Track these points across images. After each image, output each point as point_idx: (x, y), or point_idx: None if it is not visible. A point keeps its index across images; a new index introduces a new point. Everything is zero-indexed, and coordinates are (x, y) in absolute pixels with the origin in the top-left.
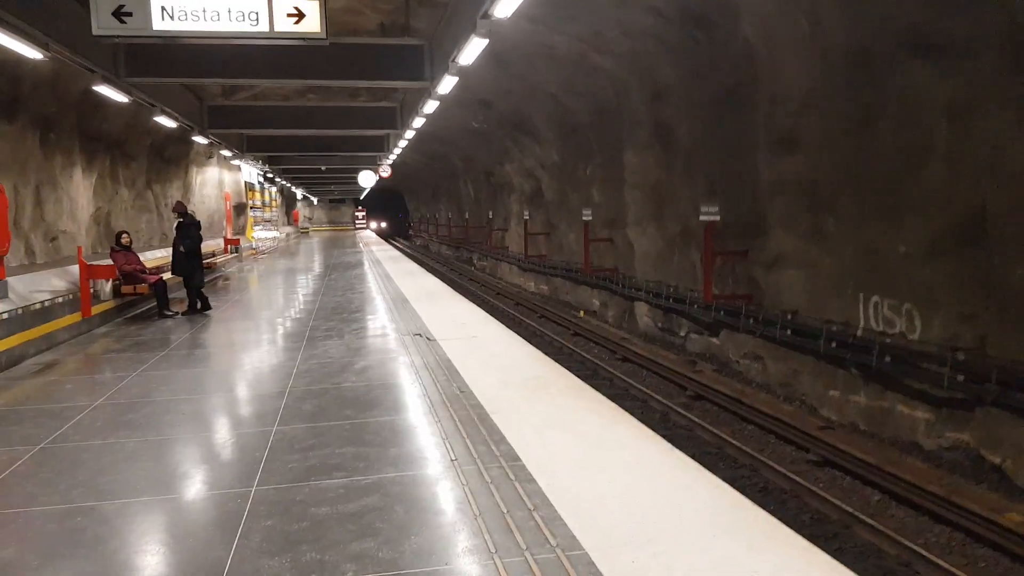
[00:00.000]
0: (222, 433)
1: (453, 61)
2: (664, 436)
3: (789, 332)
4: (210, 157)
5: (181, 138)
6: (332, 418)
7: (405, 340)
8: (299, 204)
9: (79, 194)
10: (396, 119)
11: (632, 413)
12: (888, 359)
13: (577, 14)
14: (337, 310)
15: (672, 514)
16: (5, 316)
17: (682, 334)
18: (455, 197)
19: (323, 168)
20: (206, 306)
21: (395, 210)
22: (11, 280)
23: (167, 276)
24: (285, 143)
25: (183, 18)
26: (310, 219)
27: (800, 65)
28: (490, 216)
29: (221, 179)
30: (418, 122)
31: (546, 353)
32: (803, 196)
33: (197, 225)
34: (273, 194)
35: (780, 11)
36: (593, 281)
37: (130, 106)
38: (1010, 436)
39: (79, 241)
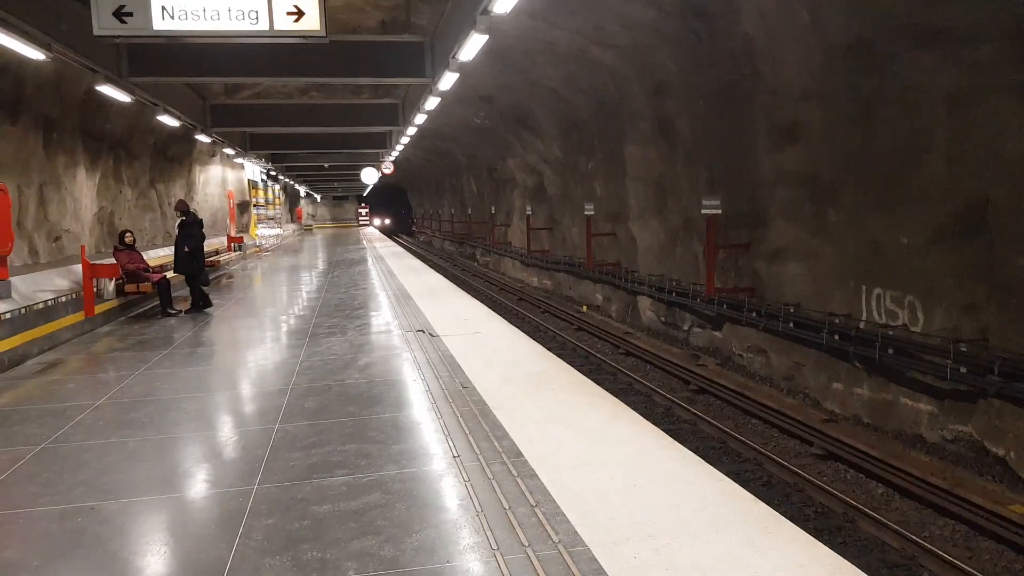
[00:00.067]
0: (224, 431)
1: (454, 57)
2: (667, 431)
3: (792, 325)
4: (213, 155)
5: (184, 137)
6: (334, 415)
7: (408, 336)
8: (302, 201)
9: (82, 194)
10: (398, 116)
11: (636, 408)
12: (891, 351)
13: (577, 8)
14: (340, 307)
15: (674, 509)
16: (8, 316)
17: (685, 328)
18: (458, 193)
19: (326, 165)
20: (207, 304)
21: (398, 206)
22: (14, 280)
23: (170, 275)
24: (288, 141)
25: (183, 17)
26: (313, 216)
27: (800, 57)
28: (493, 211)
29: (224, 177)
30: (420, 118)
31: (550, 348)
32: (804, 188)
33: (199, 223)
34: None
35: (780, 3)
36: (596, 276)
37: (133, 106)
38: (1013, 428)
39: (83, 240)
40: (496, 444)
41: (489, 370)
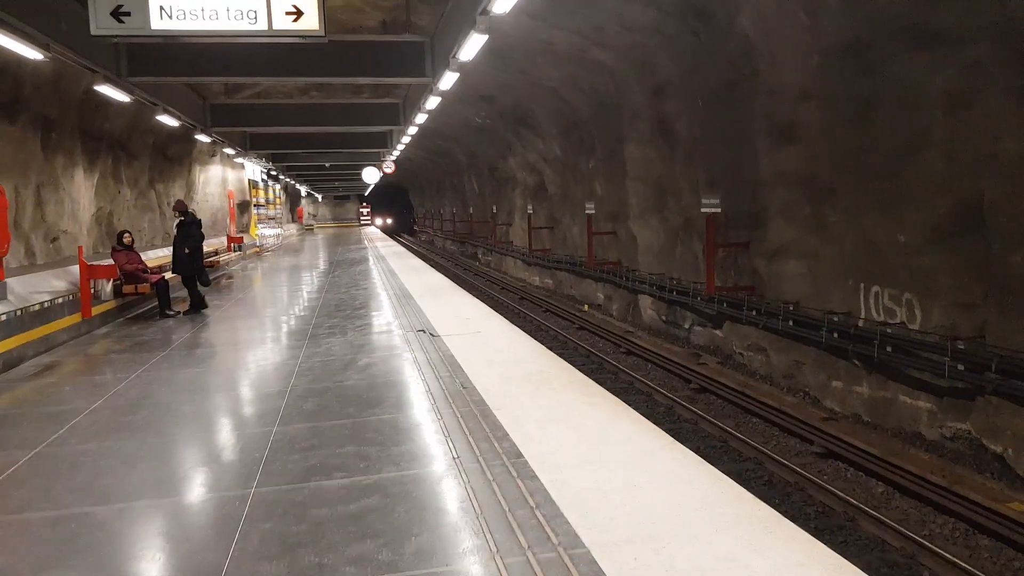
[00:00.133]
0: (222, 434)
1: (454, 57)
2: (669, 430)
3: (791, 323)
4: (213, 155)
5: (184, 137)
6: (333, 417)
7: (408, 336)
8: (303, 201)
9: (80, 194)
10: (399, 115)
11: (637, 407)
12: (889, 349)
13: (576, 8)
14: (340, 307)
15: (674, 509)
16: (3, 318)
17: (686, 327)
18: (459, 192)
19: (327, 165)
20: (202, 306)
21: (400, 206)
22: (10, 281)
23: (169, 275)
24: (289, 140)
25: (182, 17)
26: (314, 216)
27: (799, 57)
28: (494, 211)
29: (224, 177)
30: (421, 118)
31: (551, 347)
32: (803, 187)
33: (198, 224)
34: (277, 191)
35: (779, 4)
36: (597, 275)
37: (132, 105)
38: (1011, 425)
39: (80, 241)
40: (496, 445)
41: (490, 370)
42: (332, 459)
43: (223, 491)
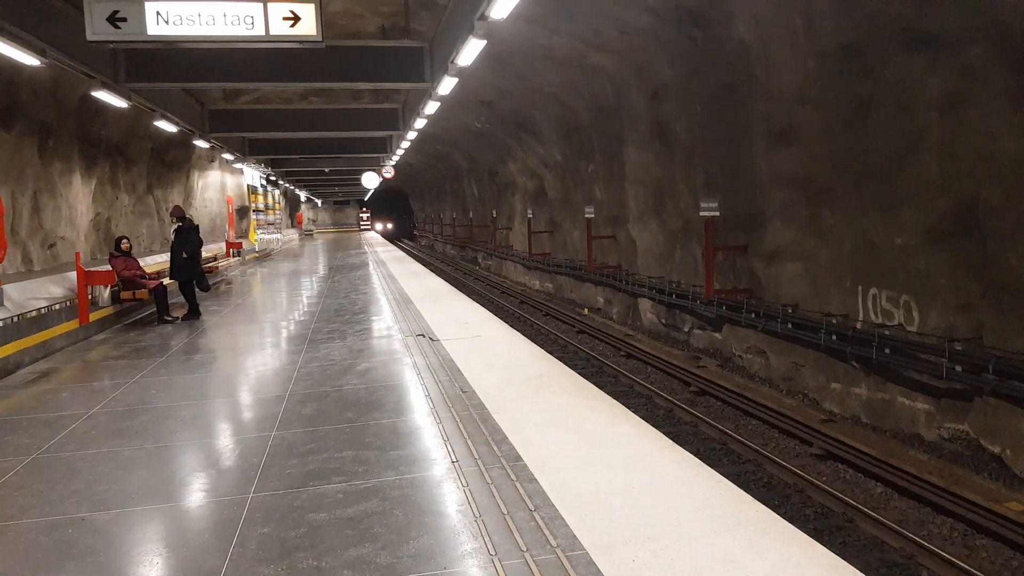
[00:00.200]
0: (220, 439)
1: (452, 62)
2: (668, 432)
3: (790, 326)
4: (212, 161)
5: (182, 142)
6: (332, 421)
7: (408, 341)
8: (303, 206)
9: (78, 200)
10: (398, 120)
11: (637, 410)
12: (887, 351)
13: (574, 14)
14: (340, 312)
15: (673, 511)
16: (1, 324)
17: (686, 330)
18: (459, 197)
19: (326, 170)
20: (196, 314)
21: (399, 211)
22: (7, 288)
23: (167, 281)
24: (288, 146)
25: (178, 23)
26: (314, 221)
27: (795, 61)
28: (494, 215)
29: (223, 183)
30: (420, 123)
31: (551, 351)
32: (800, 190)
33: (196, 229)
34: (276, 197)
35: (774, 8)
36: (597, 278)
37: (130, 111)
38: (1008, 425)
39: (78, 247)
40: (495, 448)
41: (489, 374)
42: (331, 463)
43: (221, 496)
